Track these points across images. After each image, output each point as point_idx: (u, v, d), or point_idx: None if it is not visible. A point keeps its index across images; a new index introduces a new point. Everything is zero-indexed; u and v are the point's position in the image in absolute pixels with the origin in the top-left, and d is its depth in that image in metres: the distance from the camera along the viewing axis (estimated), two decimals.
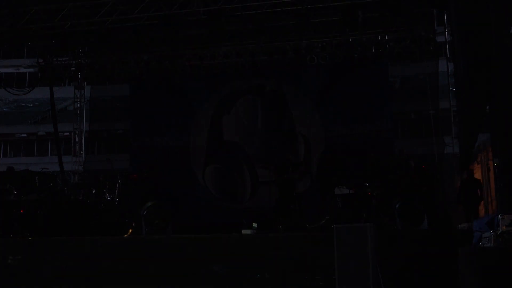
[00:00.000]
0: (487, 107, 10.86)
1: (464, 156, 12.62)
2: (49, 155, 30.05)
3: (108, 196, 13.31)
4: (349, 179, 12.99)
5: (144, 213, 12.70)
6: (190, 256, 10.64)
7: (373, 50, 16.08)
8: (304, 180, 16.55)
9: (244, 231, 13.24)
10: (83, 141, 19.25)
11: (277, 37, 16.16)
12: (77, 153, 18.93)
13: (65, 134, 21.90)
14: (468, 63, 11.27)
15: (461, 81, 12.50)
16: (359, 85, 16.99)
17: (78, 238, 12.07)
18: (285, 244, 10.53)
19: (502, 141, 9.87)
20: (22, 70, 29.66)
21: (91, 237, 12.05)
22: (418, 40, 15.42)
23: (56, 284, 10.87)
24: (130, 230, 12.65)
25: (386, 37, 15.82)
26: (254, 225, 11.37)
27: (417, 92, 18.34)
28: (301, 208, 14.02)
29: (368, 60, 16.53)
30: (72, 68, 17.74)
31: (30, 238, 12.08)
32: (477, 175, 15.88)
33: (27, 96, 23.62)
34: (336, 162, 14.28)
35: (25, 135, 32.48)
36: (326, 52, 16.05)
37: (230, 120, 18.19)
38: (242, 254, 10.50)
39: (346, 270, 8.80)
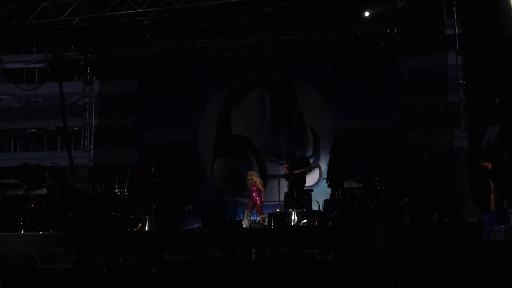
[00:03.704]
0: (497, 100, 10.81)
1: (473, 149, 12.57)
2: (59, 149, 30.16)
3: (117, 190, 13.37)
4: (358, 173, 12.97)
5: (154, 207, 12.76)
6: (198, 249, 10.67)
7: (382, 43, 16.01)
8: (313, 174, 16.57)
9: (253, 225, 13.31)
10: (92, 136, 19.30)
11: (285, 30, 16.12)
12: (86, 147, 18.99)
13: (74, 129, 21.93)
14: (478, 56, 11.22)
15: (470, 74, 12.44)
16: (368, 79, 16.94)
17: (87, 232, 12.15)
18: (294, 238, 10.54)
19: None
20: (31, 65, 29.72)
21: (101, 231, 12.12)
22: (427, 33, 15.33)
23: (67, 278, 10.93)
24: (140, 224, 12.71)
25: (395, 30, 15.75)
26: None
27: (426, 85, 18.23)
28: (310, 202, 14.05)
29: (377, 53, 16.47)
30: (81, 63, 17.79)
31: (40, 233, 12.16)
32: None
33: (36, 91, 23.73)
34: (345, 156, 14.25)
35: (35, 130, 32.58)
36: (334, 45, 15.99)
37: (239, 114, 18.19)
38: (251, 248, 10.52)
39: (355, 264, 8.80)
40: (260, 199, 14.77)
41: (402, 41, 15.81)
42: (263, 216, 13.74)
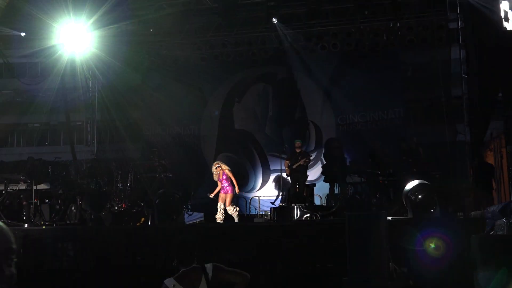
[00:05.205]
0: (500, 94, 10.79)
1: (476, 143, 12.57)
2: (61, 144, 30.16)
3: (120, 185, 13.39)
4: (361, 167, 12.97)
5: (157, 201, 12.77)
6: (202, 244, 10.67)
7: (384, 38, 15.98)
8: (315, 168, 16.57)
9: (256, 220, 13.31)
10: (95, 131, 19.31)
11: (288, 24, 16.09)
12: (89, 142, 19.01)
13: (77, 123, 21.97)
14: (480, 50, 11.19)
15: (473, 68, 12.42)
16: (370, 73, 16.93)
17: (91, 226, 12.19)
18: (296, 232, 10.55)
19: None
20: (34, 60, 29.72)
21: (104, 225, 12.15)
22: (430, 27, 15.28)
23: (73, 271, 10.97)
24: (143, 219, 12.73)
25: (398, 24, 15.71)
26: None
27: (429, 79, 18.19)
28: (313, 196, 14.07)
29: (380, 47, 16.44)
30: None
31: (44, 227, 12.21)
32: (490, 162, 15.74)
33: (39, 86, 23.73)
34: (339, 150, 14.29)
35: (38, 125, 32.58)
36: (337, 39, 15.97)
37: (241, 109, 18.20)
38: (254, 243, 10.53)
39: (357, 258, 8.80)
40: (232, 188, 13.09)
41: (405, 35, 15.76)
42: (230, 209, 12.89)
